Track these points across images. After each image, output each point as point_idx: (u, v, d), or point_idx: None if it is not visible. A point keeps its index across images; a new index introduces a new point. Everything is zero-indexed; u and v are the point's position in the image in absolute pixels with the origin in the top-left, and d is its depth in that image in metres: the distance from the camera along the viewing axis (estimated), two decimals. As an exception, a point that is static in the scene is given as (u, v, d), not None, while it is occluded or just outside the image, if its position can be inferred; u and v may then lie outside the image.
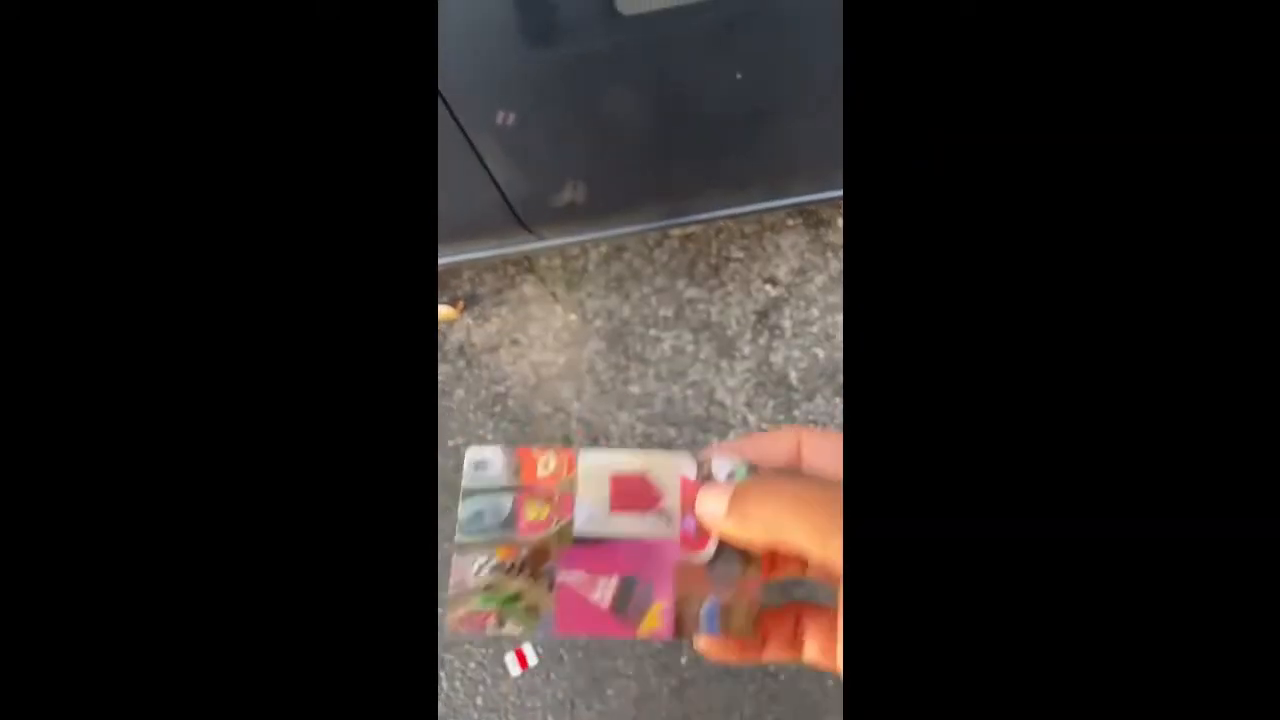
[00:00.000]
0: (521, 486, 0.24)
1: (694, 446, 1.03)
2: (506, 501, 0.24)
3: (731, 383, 1.09)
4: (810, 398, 1.07)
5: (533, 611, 0.23)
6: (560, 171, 0.87)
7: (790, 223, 1.18)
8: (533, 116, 0.77)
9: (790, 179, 0.91)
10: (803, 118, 0.77)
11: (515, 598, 0.23)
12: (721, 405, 1.07)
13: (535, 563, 0.23)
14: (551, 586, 0.23)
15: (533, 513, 0.23)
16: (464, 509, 0.24)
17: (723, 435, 1.03)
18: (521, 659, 1.01)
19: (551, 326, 1.18)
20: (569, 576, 0.23)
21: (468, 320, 1.18)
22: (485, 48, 0.69)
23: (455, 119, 0.76)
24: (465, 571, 0.24)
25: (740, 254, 1.18)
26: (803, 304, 1.12)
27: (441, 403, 1.14)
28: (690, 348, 1.12)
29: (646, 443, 1.06)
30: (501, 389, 1.14)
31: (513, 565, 0.23)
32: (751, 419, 1.05)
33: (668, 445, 1.05)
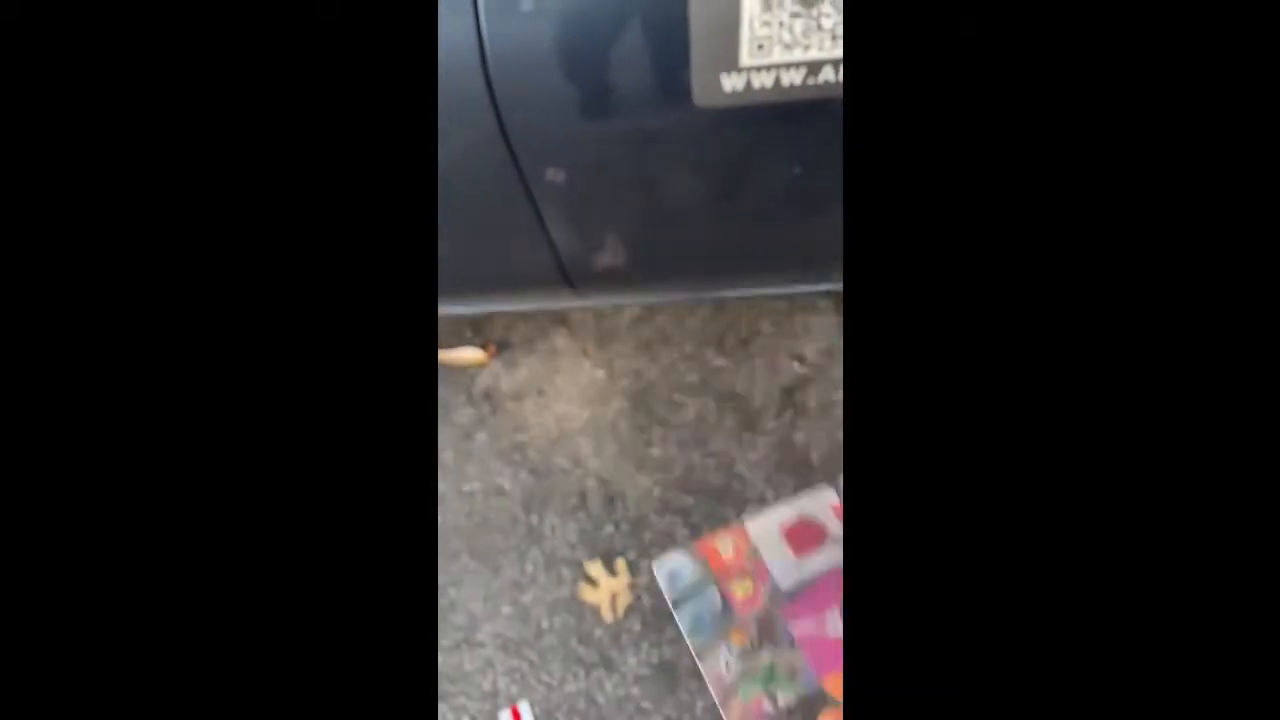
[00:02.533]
0: (717, 577, 0.25)
1: (711, 519, 1.03)
2: (714, 594, 0.25)
3: (753, 456, 1.09)
4: (830, 479, 1.07)
5: (791, 672, 0.23)
6: (607, 235, 0.90)
7: (821, 304, 1.20)
8: (591, 179, 0.80)
9: (826, 266, 0.94)
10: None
11: (771, 670, 0.24)
12: (741, 478, 1.08)
13: (768, 633, 0.24)
14: (793, 644, 0.24)
15: (740, 591, 0.25)
16: (682, 620, 0.25)
17: (740, 509, 1.03)
18: (516, 716, 0.99)
19: (579, 381, 1.19)
20: (802, 627, 0.24)
21: (497, 365, 1.20)
22: (560, 111, 0.73)
23: (519, 170, 0.79)
24: (718, 671, 0.25)
25: (770, 329, 1.21)
26: (828, 386, 1.14)
27: (462, 445, 1.14)
28: (713, 416, 1.13)
29: (664, 509, 1.06)
30: (523, 438, 1.15)
31: (752, 644, 0.24)
32: (770, 495, 1.05)
33: (684, 514, 1.05)
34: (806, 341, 1.18)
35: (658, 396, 1.16)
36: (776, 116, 0.67)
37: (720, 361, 1.18)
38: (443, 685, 1.01)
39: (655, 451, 1.12)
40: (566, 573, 1.04)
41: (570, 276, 0.91)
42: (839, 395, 1.13)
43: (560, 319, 1.23)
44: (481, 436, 1.15)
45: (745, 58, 0.62)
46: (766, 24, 0.59)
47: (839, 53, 0.61)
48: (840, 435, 1.10)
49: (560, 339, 1.22)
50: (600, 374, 1.19)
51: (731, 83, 0.63)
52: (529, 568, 1.06)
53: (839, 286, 0.98)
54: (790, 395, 1.14)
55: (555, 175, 0.82)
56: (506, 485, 1.12)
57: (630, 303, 1.06)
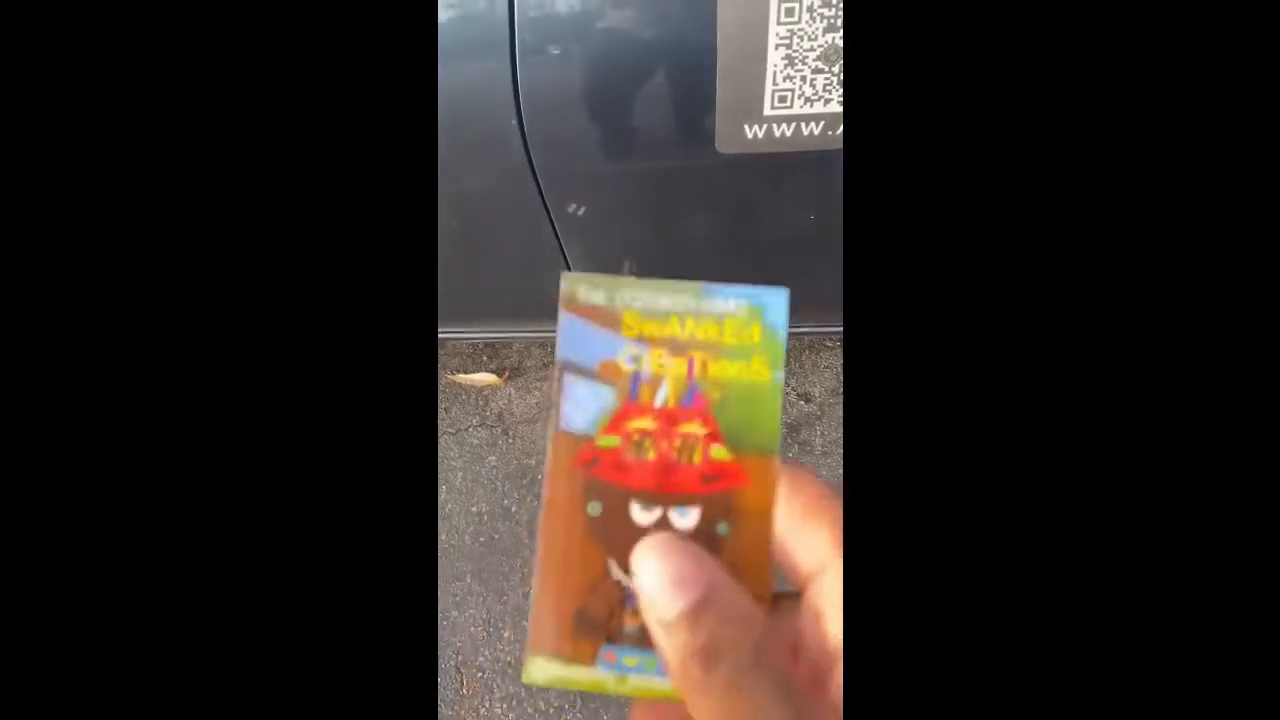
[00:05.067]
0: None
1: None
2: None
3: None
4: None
5: None
6: (626, 266, 0.93)
7: (829, 343, 1.23)
8: (613, 214, 0.83)
9: (836, 308, 0.97)
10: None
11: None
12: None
13: None
14: None
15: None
16: None
17: (744, 543, 1.04)
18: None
19: (589, 408, 1.21)
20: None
21: (511, 389, 1.22)
22: (587, 150, 0.76)
23: (545, 203, 0.82)
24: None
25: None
26: (833, 425, 1.15)
27: (473, 468, 1.16)
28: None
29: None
30: (532, 462, 1.16)
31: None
32: (773, 530, 1.06)
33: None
34: (814, 380, 1.20)
35: (666, 427, 1.17)
36: (795, 164, 0.70)
37: (729, 396, 1.20)
38: (441, 709, 1.01)
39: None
40: (569, 599, 1.05)
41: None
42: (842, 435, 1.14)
43: (574, 347, 1.26)
44: (492, 459, 1.17)
45: (768, 108, 0.65)
46: (789, 78, 0.63)
47: (856, 108, 0.64)
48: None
49: (573, 367, 1.24)
50: (611, 403, 1.21)
51: (753, 132, 0.67)
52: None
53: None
54: (796, 433, 1.15)
55: (578, 209, 0.85)
56: (514, 508, 1.13)
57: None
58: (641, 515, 0.23)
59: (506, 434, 1.19)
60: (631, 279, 0.24)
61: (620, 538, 0.22)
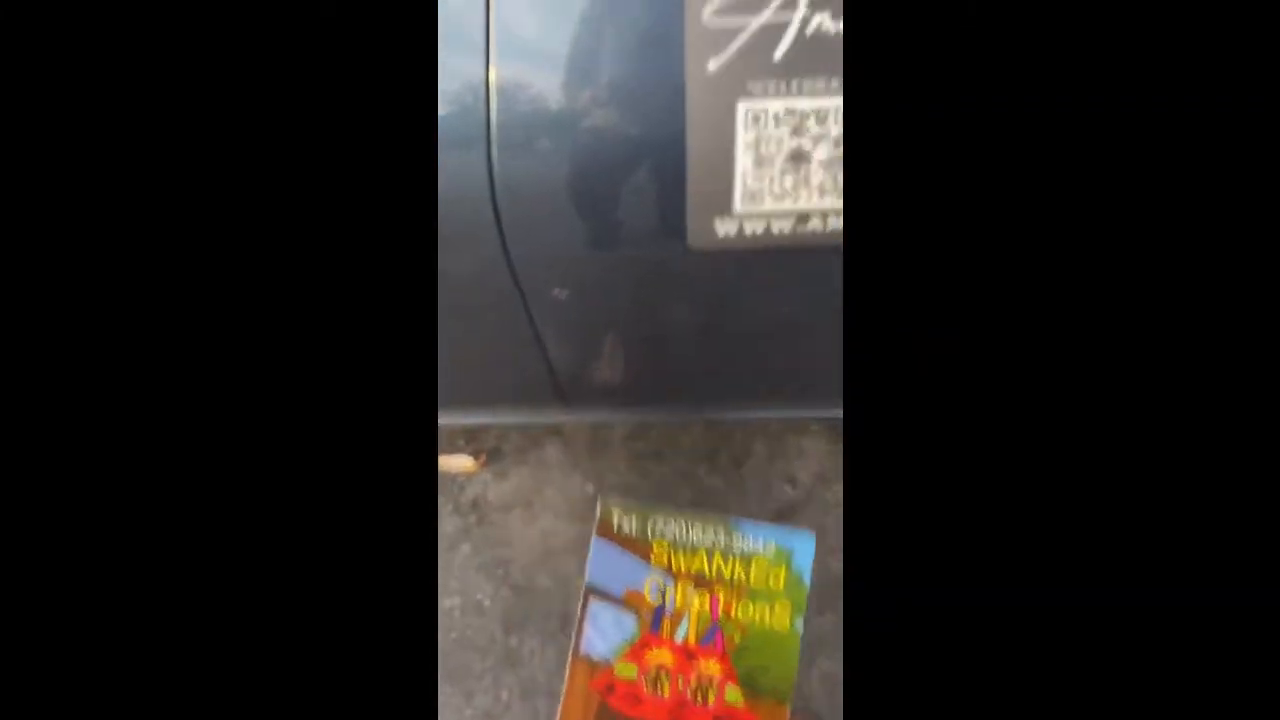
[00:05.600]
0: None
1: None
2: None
3: (741, 583, 1.06)
4: (821, 613, 1.04)
5: None
6: (601, 356, 0.92)
7: (814, 428, 1.21)
8: (587, 304, 0.83)
9: (815, 397, 0.96)
10: (837, 343, 0.83)
11: None
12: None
13: None
14: None
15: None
16: None
17: (727, 641, 0.99)
18: None
19: (568, 495, 1.18)
20: None
21: (487, 475, 1.19)
22: (562, 241, 0.76)
23: (521, 292, 0.82)
24: None
25: (763, 450, 1.21)
26: (818, 510, 1.12)
27: (445, 557, 1.11)
28: (703, 538, 1.11)
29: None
30: (507, 552, 1.12)
31: None
32: (758, 626, 1.01)
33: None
34: (799, 464, 1.18)
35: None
36: (768, 258, 0.70)
37: (713, 480, 1.17)
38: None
39: (642, 573, 1.09)
40: (542, 707, 0.99)
41: (564, 393, 0.92)
42: (829, 520, 1.11)
43: (554, 429, 1.23)
44: (465, 548, 1.13)
45: (738, 205, 0.66)
46: (758, 177, 0.64)
47: (826, 204, 0.65)
48: (832, 563, 1.07)
49: (552, 450, 1.21)
50: (590, 488, 1.18)
51: (725, 228, 0.67)
52: (504, 695, 1.00)
53: (830, 414, 0.99)
54: (781, 519, 1.12)
55: (557, 295, 0.85)
56: (486, 602, 1.08)
57: (623, 419, 1.07)
58: None
59: (480, 522, 1.15)
60: (666, 508, 0.25)
61: None
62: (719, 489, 1.15)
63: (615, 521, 0.26)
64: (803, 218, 0.66)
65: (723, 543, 0.26)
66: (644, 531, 0.26)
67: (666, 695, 0.24)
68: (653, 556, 0.25)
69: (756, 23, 0.56)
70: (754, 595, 0.25)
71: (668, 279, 0.77)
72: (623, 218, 0.73)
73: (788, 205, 0.65)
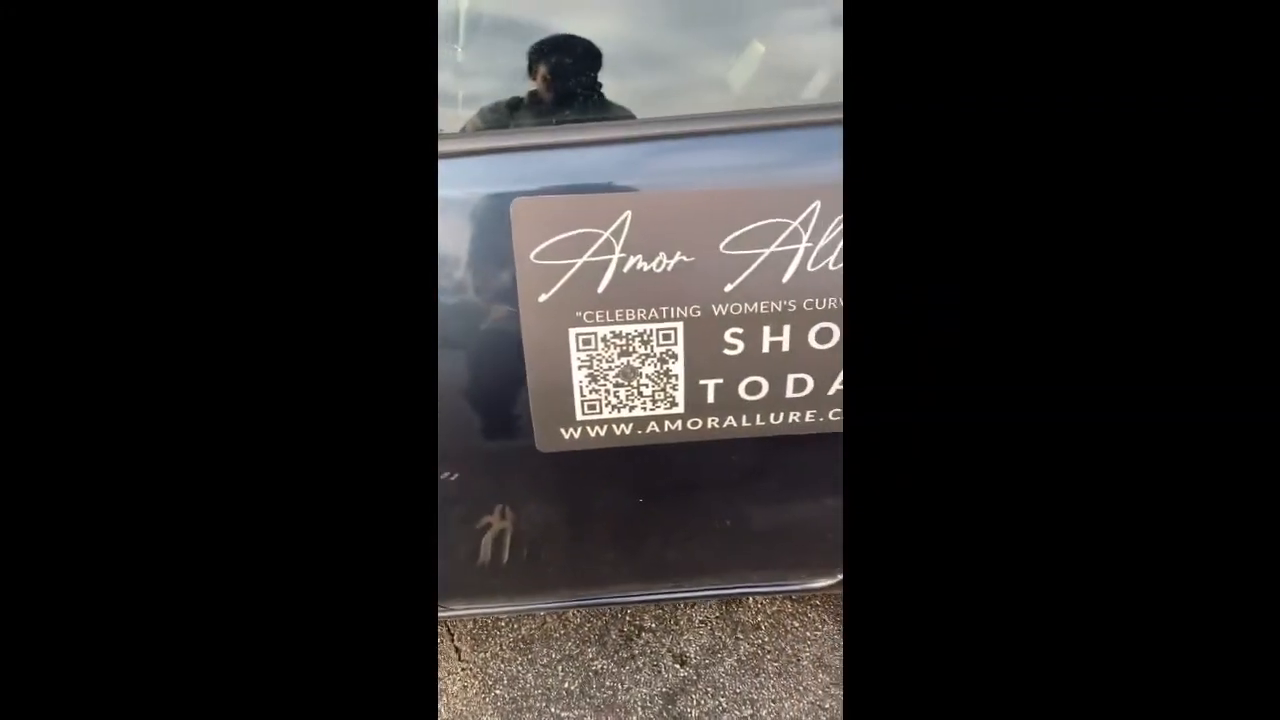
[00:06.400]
0: None
1: None
2: None
3: (630, 783, 1.00)
4: (713, 811, 0.98)
5: None
6: (482, 544, 0.91)
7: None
8: (472, 483, 0.83)
9: (701, 575, 0.97)
10: (711, 531, 0.85)
11: None
12: (616, 812, 0.97)
13: None
14: None
15: None
16: None
17: None
18: None
19: (448, 690, 1.10)
20: None
21: (359, 675, 1.10)
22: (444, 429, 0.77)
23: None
24: None
25: (653, 624, 1.18)
26: (710, 690, 1.09)
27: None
28: (591, 732, 1.05)
29: None
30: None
31: None
32: (648, 834, 0.94)
33: None
34: (690, 638, 1.16)
35: (532, 709, 1.07)
36: (616, 458, 0.74)
37: (600, 664, 1.13)
38: None
39: (524, 780, 1.00)
40: None
41: (447, 586, 0.89)
42: (721, 703, 1.08)
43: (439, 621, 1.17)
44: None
45: (580, 414, 0.70)
46: (594, 391, 0.69)
47: (659, 411, 0.70)
48: (723, 752, 1.03)
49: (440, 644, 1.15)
50: (475, 684, 1.11)
51: (569, 434, 0.71)
52: None
53: (712, 591, 0.99)
54: (672, 703, 1.08)
55: (451, 475, 0.85)
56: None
57: (506, 611, 1.03)
58: None
59: None
60: None
61: None
62: (609, 673, 1.11)
63: None
64: (641, 423, 0.71)
65: None
66: None
67: None
68: None
69: (579, 263, 0.63)
70: None
71: (529, 479, 0.79)
72: (481, 425, 0.76)
73: (624, 413, 0.70)
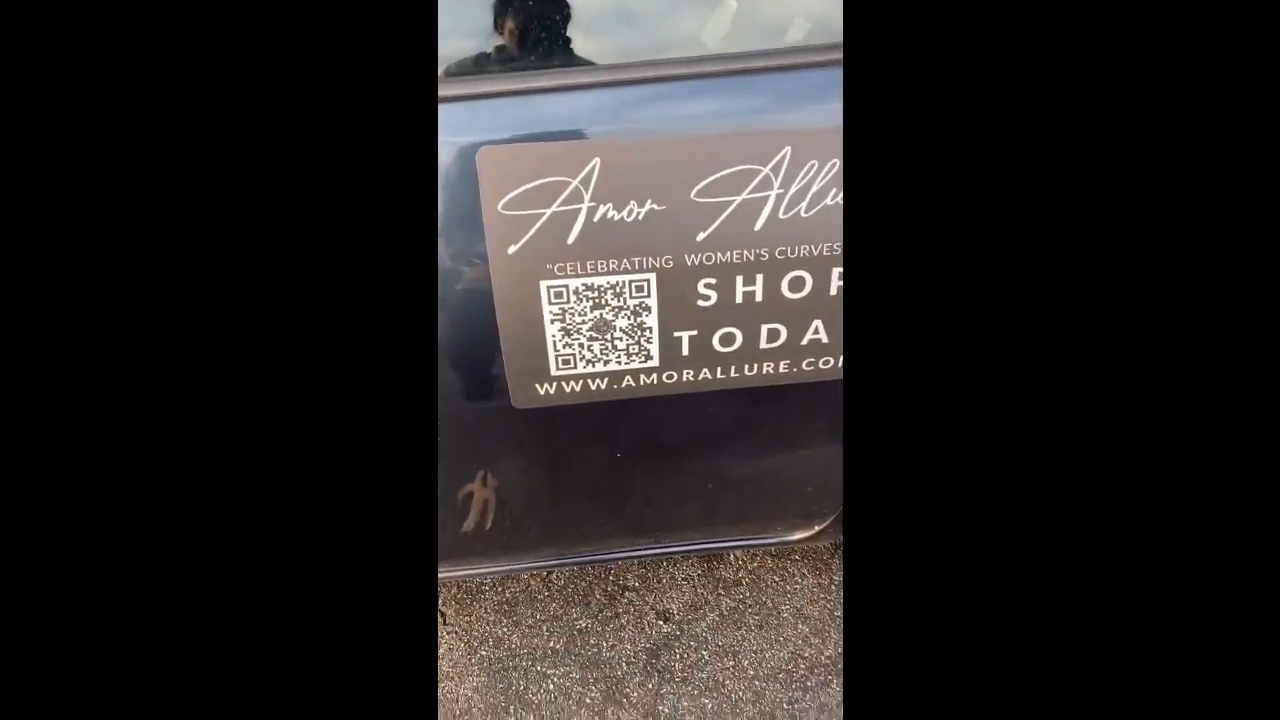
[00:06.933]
0: None
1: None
2: None
3: (616, 735, 1.02)
4: None
5: None
6: (469, 500, 0.91)
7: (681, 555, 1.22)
8: (454, 446, 0.83)
9: (681, 531, 0.98)
10: (690, 486, 0.86)
11: None
12: (603, 763, 0.99)
13: None
14: None
15: None
16: None
17: (599, 806, 0.93)
18: None
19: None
20: None
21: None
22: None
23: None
24: None
25: (636, 583, 1.20)
26: (693, 645, 1.11)
27: None
28: (577, 689, 1.07)
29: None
30: None
31: None
32: (634, 783, 0.96)
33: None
34: (673, 595, 1.18)
35: (518, 668, 1.09)
36: (592, 414, 0.74)
37: (585, 622, 1.14)
38: None
39: (512, 736, 1.02)
40: None
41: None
42: (705, 655, 1.10)
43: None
44: None
45: (554, 369, 0.70)
46: (568, 345, 0.68)
47: (634, 365, 0.70)
48: (706, 702, 1.05)
49: (417, 606, 1.15)
50: (460, 645, 1.12)
51: (545, 389, 0.71)
52: None
53: (693, 546, 1.00)
54: (655, 658, 1.10)
55: None
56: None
57: (492, 571, 1.04)
58: None
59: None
60: None
61: None
62: (593, 631, 1.12)
63: None
64: (616, 377, 0.71)
65: None
66: None
67: None
68: None
69: (548, 213, 0.62)
70: None
71: (506, 436, 0.79)
72: (461, 382, 0.75)
73: (599, 368, 0.70)
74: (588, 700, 1.05)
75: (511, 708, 1.05)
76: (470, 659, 1.10)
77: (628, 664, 1.09)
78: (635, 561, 1.21)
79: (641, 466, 0.81)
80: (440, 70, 0.67)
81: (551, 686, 1.07)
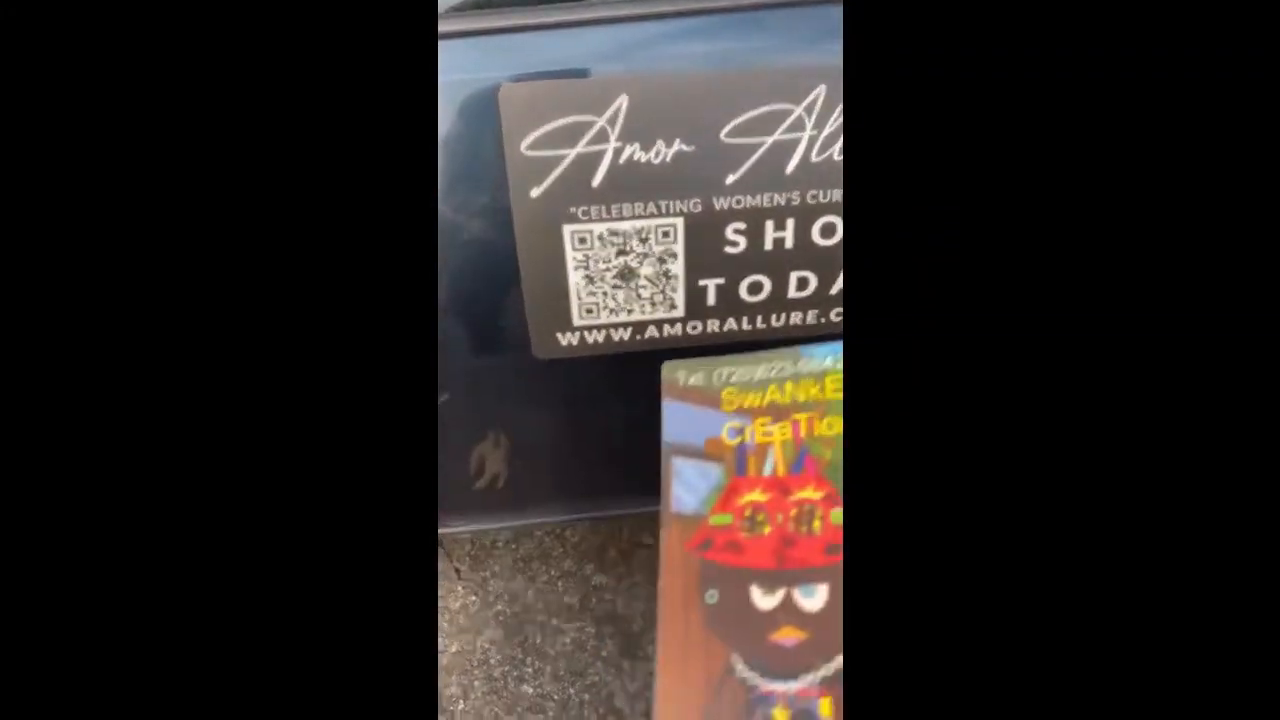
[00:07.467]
0: None
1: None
2: None
3: (632, 687, 1.03)
4: (713, 709, 1.01)
5: None
6: (482, 459, 0.90)
7: (699, 513, 1.22)
8: (463, 406, 0.82)
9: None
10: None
11: None
12: (619, 714, 1.00)
13: None
14: None
15: None
16: None
17: (617, 754, 0.95)
18: None
19: (449, 607, 1.12)
20: None
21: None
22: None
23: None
24: None
25: (650, 540, 1.20)
26: (708, 600, 1.12)
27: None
28: (593, 643, 1.08)
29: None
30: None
31: None
32: (651, 732, 0.97)
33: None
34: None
35: (533, 622, 1.10)
36: (617, 363, 0.73)
37: (600, 579, 1.15)
38: None
39: (528, 688, 1.03)
40: None
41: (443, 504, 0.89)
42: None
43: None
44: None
45: (576, 319, 0.68)
46: (591, 294, 0.66)
47: (659, 314, 0.69)
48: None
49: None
50: (473, 599, 1.12)
51: (567, 339, 0.69)
52: None
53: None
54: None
55: (443, 395, 0.84)
56: None
57: (505, 526, 1.04)
58: (763, 599, 0.21)
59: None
60: (730, 357, 0.24)
61: (742, 626, 0.20)
62: (608, 587, 1.13)
63: (680, 380, 0.24)
64: (640, 327, 0.69)
65: (791, 370, 0.24)
66: (710, 383, 0.24)
67: (768, 533, 0.22)
68: (724, 404, 0.24)
69: (572, 154, 0.59)
70: (834, 408, 0.23)
71: (526, 387, 0.78)
72: (478, 331, 0.74)
73: (623, 317, 0.68)
74: (603, 654, 1.06)
75: (529, 659, 1.06)
76: (487, 613, 1.11)
77: (643, 619, 1.10)
78: (649, 517, 1.21)
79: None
80: (448, 7, 0.64)
81: (568, 640, 1.08)
